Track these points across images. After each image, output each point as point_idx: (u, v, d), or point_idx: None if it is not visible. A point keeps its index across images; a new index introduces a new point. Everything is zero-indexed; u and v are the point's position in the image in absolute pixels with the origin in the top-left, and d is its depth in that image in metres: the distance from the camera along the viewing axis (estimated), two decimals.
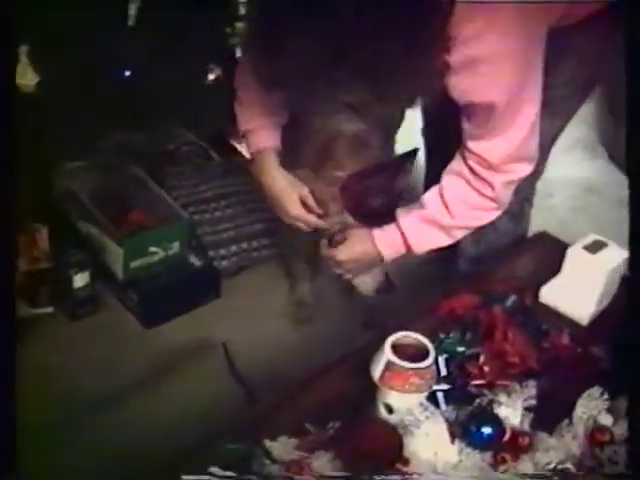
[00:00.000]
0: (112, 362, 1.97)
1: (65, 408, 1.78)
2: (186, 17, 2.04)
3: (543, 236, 1.90)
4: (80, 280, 2.05)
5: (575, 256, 1.60)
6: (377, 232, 1.64)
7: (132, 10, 1.91)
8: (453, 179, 1.56)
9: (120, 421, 1.77)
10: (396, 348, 1.24)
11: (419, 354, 1.25)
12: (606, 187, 2.98)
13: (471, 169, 1.52)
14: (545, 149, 1.73)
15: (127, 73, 2.06)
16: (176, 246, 2.19)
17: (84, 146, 2.18)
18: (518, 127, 1.44)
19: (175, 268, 2.19)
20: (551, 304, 1.61)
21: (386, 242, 1.64)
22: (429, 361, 1.22)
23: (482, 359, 1.37)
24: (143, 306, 2.11)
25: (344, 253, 1.68)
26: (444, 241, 1.62)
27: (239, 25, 2.40)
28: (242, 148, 2.80)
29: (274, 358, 1.99)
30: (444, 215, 1.57)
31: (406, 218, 1.61)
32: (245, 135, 1.72)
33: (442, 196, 1.57)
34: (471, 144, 1.49)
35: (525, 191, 1.88)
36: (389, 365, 1.21)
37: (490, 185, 1.52)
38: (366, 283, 1.77)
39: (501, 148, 1.47)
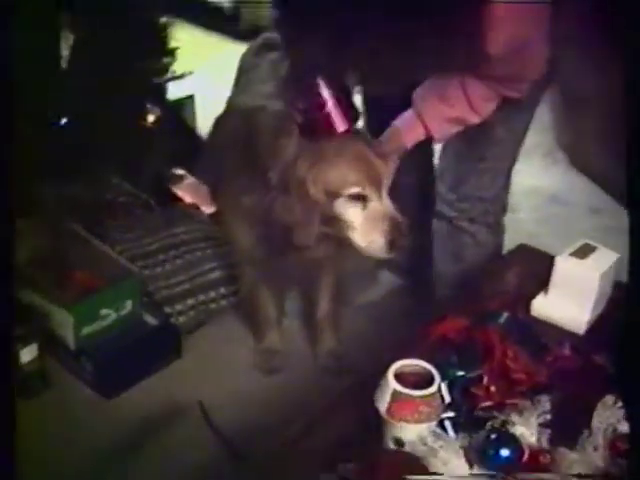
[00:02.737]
0: (71, 441, 1.93)
1: None
2: (121, 56, 2.06)
3: (522, 248, 1.96)
4: (27, 354, 2.02)
5: (564, 263, 1.66)
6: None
7: (64, 51, 1.93)
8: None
9: None
10: (398, 378, 1.27)
11: (422, 381, 1.28)
12: (570, 195, 3.09)
13: None
14: (517, 145, 1.90)
15: (63, 121, 2.07)
16: (128, 305, 2.19)
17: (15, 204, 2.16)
18: None
19: (130, 329, 2.18)
20: (545, 316, 1.66)
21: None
22: (435, 387, 1.25)
23: (486, 380, 1.40)
24: (99, 375, 2.09)
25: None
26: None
27: (172, 61, 2.43)
28: (183, 194, 2.83)
29: (251, 412, 2.00)
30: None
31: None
32: None
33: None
34: None
35: (501, 199, 1.97)
36: (395, 395, 1.23)
37: None
38: (375, 242, 1.73)
39: None
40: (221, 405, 2.04)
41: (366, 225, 1.71)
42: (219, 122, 2.10)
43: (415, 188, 2.31)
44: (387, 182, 1.73)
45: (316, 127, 1.67)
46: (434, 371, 1.28)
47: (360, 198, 1.70)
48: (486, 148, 1.93)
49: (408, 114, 1.79)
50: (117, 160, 2.39)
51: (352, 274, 2.32)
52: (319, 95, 1.62)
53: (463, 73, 1.67)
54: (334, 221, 1.74)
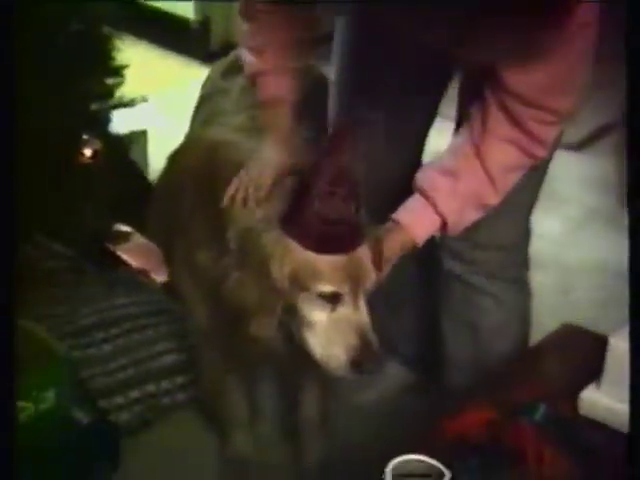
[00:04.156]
0: None
1: None
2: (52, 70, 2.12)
3: (567, 329, 2.03)
4: None
5: (621, 346, 1.71)
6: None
7: None
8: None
9: None
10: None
11: None
12: None
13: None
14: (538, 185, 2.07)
15: None
16: (51, 397, 2.19)
17: None
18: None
19: (52, 429, 2.19)
20: (595, 414, 1.71)
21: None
22: None
23: None
24: None
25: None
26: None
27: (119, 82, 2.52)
28: (129, 257, 2.88)
29: None
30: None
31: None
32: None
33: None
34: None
35: (522, 250, 2.15)
36: None
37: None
38: (335, 358, 1.76)
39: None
40: None
41: (329, 333, 1.74)
42: (175, 158, 2.18)
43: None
44: (368, 288, 1.77)
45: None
46: (444, 469, 1.32)
47: (332, 299, 1.73)
48: None
49: (413, 203, 1.88)
50: (41, 208, 2.42)
51: None
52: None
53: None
54: (293, 312, 1.77)
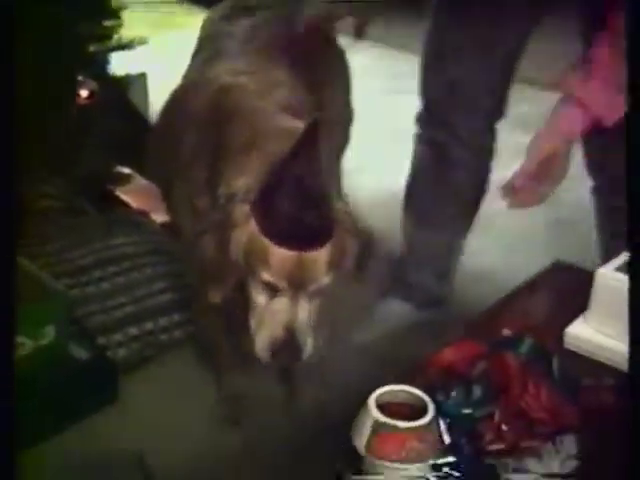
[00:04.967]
0: None
1: None
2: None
3: (557, 267, 2.03)
4: None
5: (606, 281, 1.72)
6: None
7: None
8: None
9: None
10: (382, 409, 1.33)
11: (412, 414, 1.33)
12: None
13: None
14: None
15: None
16: (50, 332, 2.23)
17: None
18: None
19: (51, 365, 2.22)
20: (581, 348, 1.72)
21: None
22: (428, 418, 1.31)
23: (497, 418, 1.46)
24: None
25: None
26: None
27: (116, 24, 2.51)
28: (129, 198, 2.90)
29: (204, 474, 2.05)
30: None
31: None
32: None
33: None
34: None
35: None
36: (377, 427, 1.29)
37: None
38: (260, 341, 1.84)
39: None
40: (167, 465, 2.07)
41: (262, 318, 1.82)
42: (177, 97, 2.18)
43: None
44: (316, 287, 1.81)
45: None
46: (427, 399, 1.33)
47: (270, 288, 1.79)
48: None
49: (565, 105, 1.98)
50: (39, 148, 2.43)
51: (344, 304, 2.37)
52: None
53: None
54: (245, 287, 1.83)
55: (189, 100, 2.10)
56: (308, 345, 1.82)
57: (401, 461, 1.29)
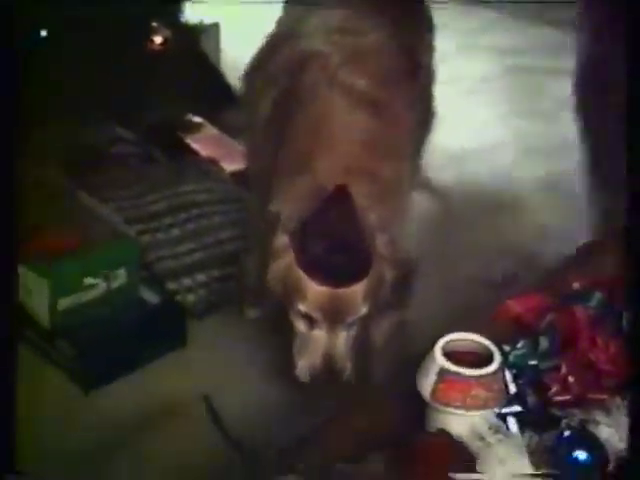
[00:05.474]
0: (42, 445, 2.00)
1: None
2: None
3: None
4: None
5: None
6: None
7: None
8: None
9: None
10: (449, 356, 1.33)
11: (479, 362, 1.33)
12: None
13: None
14: None
15: (42, 33, 2.10)
16: (122, 275, 2.25)
17: None
18: None
19: (122, 307, 2.24)
20: None
21: None
22: (494, 366, 1.31)
23: (564, 370, 1.45)
24: (81, 362, 2.16)
25: None
26: None
27: None
28: (199, 147, 2.91)
29: (265, 415, 2.08)
30: None
31: None
32: None
33: None
34: None
35: None
36: (443, 374, 1.29)
37: None
38: (301, 367, 1.91)
39: None
40: (232, 404, 2.09)
41: (303, 345, 1.89)
42: (260, 58, 2.15)
43: None
44: (352, 319, 1.85)
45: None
46: (493, 347, 1.33)
47: (307, 319, 1.85)
48: None
49: None
50: (112, 94, 2.44)
51: None
52: None
53: None
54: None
55: (273, 55, 2.08)
56: (347, 369, 1.88)
57: (466, 408, 1.29)
